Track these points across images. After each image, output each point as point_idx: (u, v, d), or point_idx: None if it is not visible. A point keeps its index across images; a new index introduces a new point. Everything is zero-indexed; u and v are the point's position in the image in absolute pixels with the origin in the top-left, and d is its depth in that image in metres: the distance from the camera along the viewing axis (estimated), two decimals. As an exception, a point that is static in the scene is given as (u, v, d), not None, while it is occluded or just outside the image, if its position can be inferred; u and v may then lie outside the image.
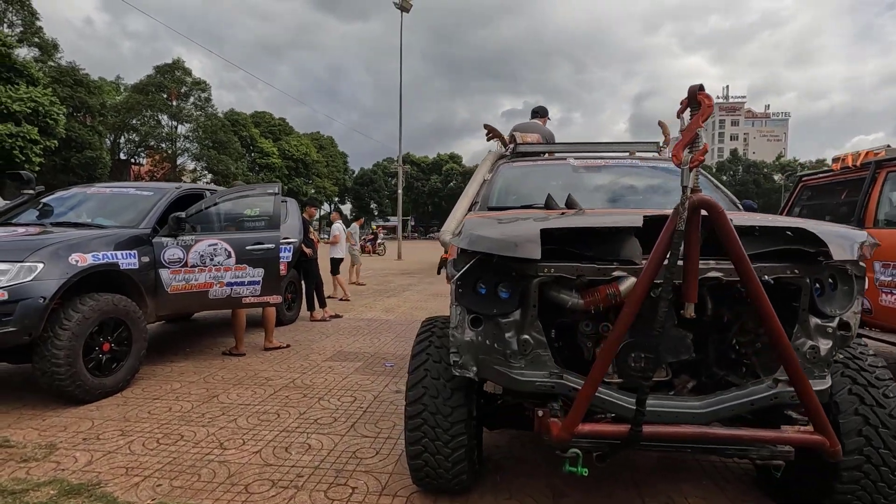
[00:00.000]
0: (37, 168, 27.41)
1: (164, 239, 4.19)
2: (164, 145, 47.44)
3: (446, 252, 2.51)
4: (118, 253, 3.76)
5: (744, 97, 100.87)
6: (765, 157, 79.41)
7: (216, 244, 4.35)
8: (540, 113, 4.78)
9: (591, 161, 3.26)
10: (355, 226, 12.80)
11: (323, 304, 7.05)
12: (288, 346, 5.18)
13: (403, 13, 20.64)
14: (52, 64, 33.48)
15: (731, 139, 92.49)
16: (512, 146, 3.69)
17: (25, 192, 4.60)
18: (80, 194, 4.72)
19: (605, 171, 3.16)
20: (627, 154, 3.61)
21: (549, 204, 2.48)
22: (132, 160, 48.13)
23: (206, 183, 51.72)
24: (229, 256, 4.38)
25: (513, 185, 3.18)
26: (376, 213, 74.74)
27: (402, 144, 22.89)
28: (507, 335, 1.82)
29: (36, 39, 32.88)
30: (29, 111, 26.61)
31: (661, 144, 3.57)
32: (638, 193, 2.93)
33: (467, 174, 77.91)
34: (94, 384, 3.46)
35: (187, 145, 48.80)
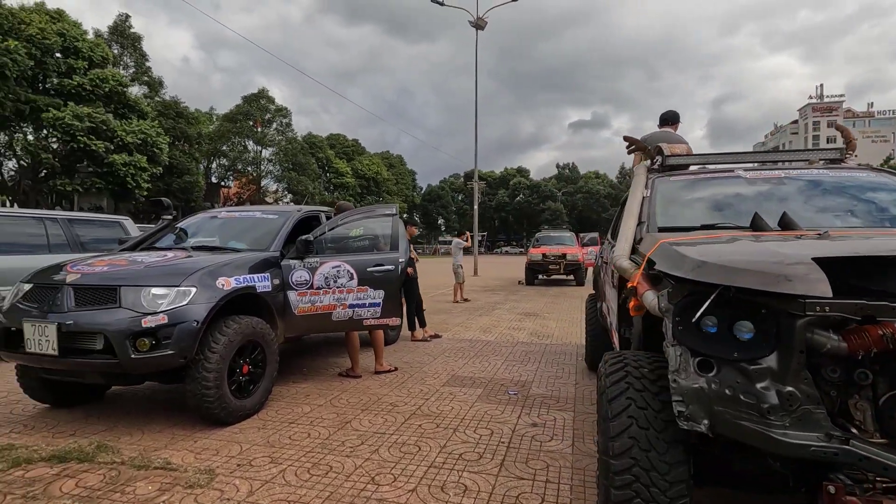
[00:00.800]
0: (145, 192, 30.35)
1: (291, 261, 4.26)
2: (249, 168, 51.03)
3: (631, 280, 2.24)
4: (254, 276, 3.84)
5: (842, 96, 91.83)
6: (869, 159, 71.38)
7: (339, 266, 4.36)
8: (670, 119, 4.40)
9: (768, 173, 2.87)
10: (459, 241, 11.77)
11: (423, 324, 6.98)
12: (396, 369, 5.08)
13: (478, 31, 20.79)
14: (158, 99, 37.18)
15: (827, 141, 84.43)
16: (659, 159, 3.36)
17: (164, 217, 4.89)
18: (210, 219, 4.96)
19: (791, 184, 2.76)
20: (806, 163, 3.17)
21: (758, 224, 2.14)
22: (222, 183, 52.13)
23: (286, 202, 54.83)
24: (352, 278, 4.37)
25: (678, 203, 2.86)
26: (444, 229, 75.54)
27: (477, 160, 22.85)
28: (758, 385, 1.51)
29: (145, 78, 36.75)
30: (139, 142, 29.59)
31: (845, 151, 3.10)
32: (851, 209, 2.50)
33: (535, 187, 76.99)
34: (237, 406, 3.51)
35: (270, 168, 52.19)
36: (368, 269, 4.43)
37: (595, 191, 75.37)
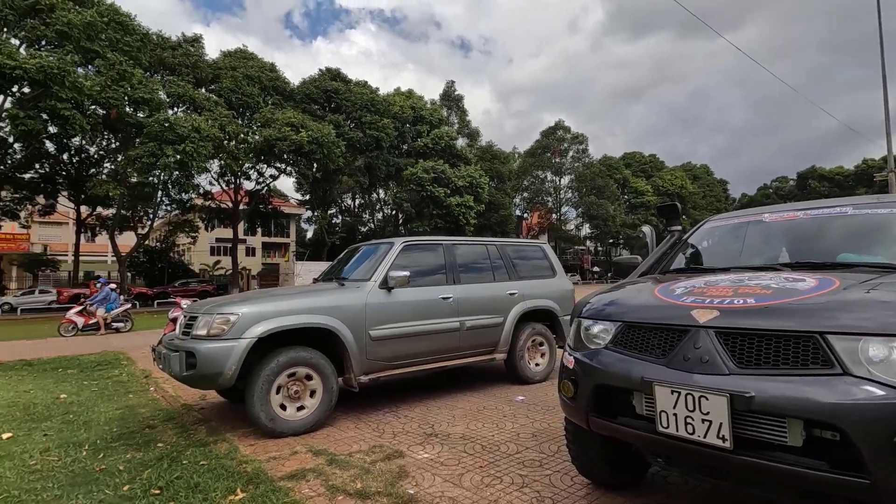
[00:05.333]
0: (471, 229, 34.29)
1: None
2: (549, 199, 52.86)
3: None
4: None
5: None
6: None
7: None
8: None
9: None
10: None
11: None
12: None
13: (879, -35, 15.09)
14: (477, 146, 42.31)
15: None
16: None
17: (672, 229, 3.63)
18: (749, 226, 3.40)
19: None
20: None
21: None
22: (524, 216, 55.60)
23: (586, 228, 54.02)
24: None
25: None
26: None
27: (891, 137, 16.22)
28: None
29: (467, 130, 42.50)
30: (467, 185, 33.69)
31: None
32: None
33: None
34: None
35: (567, 195, 52.88)
36: None
37: None
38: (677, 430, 1.95)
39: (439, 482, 3.02)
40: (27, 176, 25.03)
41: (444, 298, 5.02)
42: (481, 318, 5.26)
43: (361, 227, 44.80)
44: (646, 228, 4.23)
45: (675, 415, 1.96)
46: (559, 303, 5.97)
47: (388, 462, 3.33)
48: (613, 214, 46.92)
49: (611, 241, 55.87)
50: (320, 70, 31.92)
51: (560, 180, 51.89)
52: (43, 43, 20.29)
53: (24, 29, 19.76)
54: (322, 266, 26.56)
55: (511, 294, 5.59)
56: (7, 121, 19.49)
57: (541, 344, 5.81)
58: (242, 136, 26.58)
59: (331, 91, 30.36)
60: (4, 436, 4.03)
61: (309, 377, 4.06)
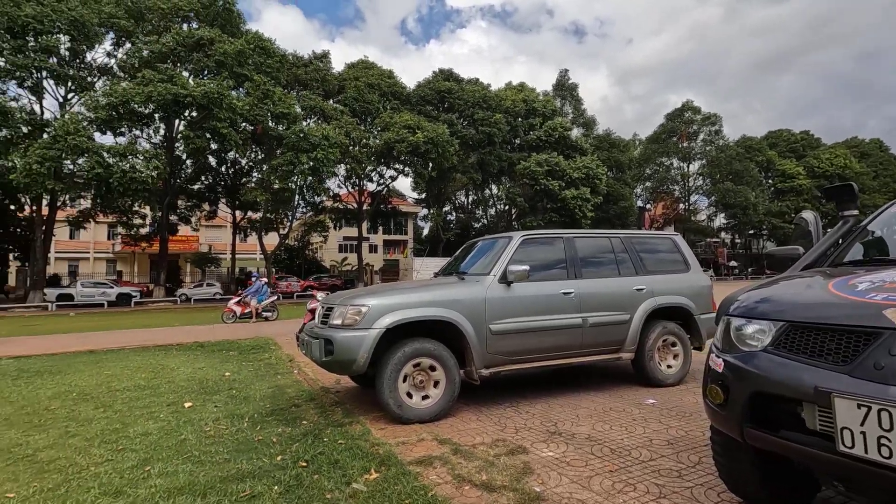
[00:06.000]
0: (588, 222, 32.84)
1: None
2: (675, 188, 48.50)
3: None
4: None
5: None
6: None
7: None
8: None
9: None
10: None
11: None
12: None
13: None
14: (593, 135, 40.35)
15: None
16: None
17: (847, 214, 3.07)
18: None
19: None
20: None
21: None
22: (647, 207, 51.72)
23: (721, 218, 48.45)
24: None
25: None
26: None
27: None
28: None
29: (581, 120, 40.74)
30: (583, 176, 32.29)
31: None
32: None
33: None
34: None
35: (698, 182, 48.03)
36: None
37: None
38: (866, 452, 1.63)
39: (566, 482, 2.92)
40: (195, 187, 29.68)
41: (564, 293, 4.85)
42: (605, 314, 4.98)
43: (475, 223, 45.40)
44: (808, 215, 3.63)
45: (862, 433, 1.64)
46: (694, 300, 5.44)
47: (512, 457, 3.30)
48: (755, 202, 41.48)
49: (751, 231, 49.57)
50: (433, 72, 32.95)
51: (688, 166, 47.29)
52: (205, 72, 23.81)
53: (192, 62, 23.36)
54: (438, 262, 27.54)
55: (638, 290, 5.21)
56: (181, 141, 23.26)
57: (673, 344, 5.34)
58: (365, 140, 28.52)
59: (444, 91, 31.16)
60: (186, 404, 4.79)
61: (433, 368, 4.19)
